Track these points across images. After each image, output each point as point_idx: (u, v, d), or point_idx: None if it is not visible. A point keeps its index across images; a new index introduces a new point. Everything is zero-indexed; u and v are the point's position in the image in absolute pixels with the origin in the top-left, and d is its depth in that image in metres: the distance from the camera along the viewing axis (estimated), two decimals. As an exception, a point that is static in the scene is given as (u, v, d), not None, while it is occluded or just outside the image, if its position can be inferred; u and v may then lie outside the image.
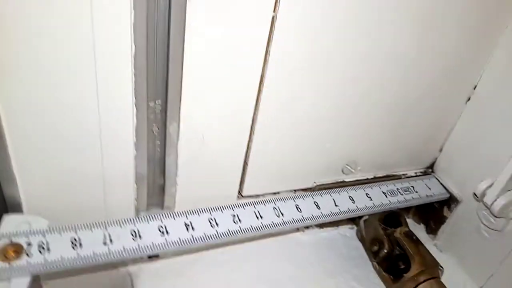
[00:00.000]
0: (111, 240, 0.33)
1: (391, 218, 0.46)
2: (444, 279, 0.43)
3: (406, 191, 0.48)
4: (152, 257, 0.42)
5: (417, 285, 0.41)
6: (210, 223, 0.37)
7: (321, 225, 0.50)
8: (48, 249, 0.31)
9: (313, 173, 0.46)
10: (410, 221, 0.55)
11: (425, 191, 0.49)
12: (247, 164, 0.41)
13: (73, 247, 0.32)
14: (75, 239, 0.32)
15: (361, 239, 0.48)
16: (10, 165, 0.32)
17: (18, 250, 0.30)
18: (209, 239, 0.36)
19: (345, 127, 0.44)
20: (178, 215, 0.36)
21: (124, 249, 0.33)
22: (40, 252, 0.31)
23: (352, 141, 0.45)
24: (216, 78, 0.34)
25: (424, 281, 0.41)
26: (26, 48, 0.28)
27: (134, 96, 0.32)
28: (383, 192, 0.46)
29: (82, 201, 0.37)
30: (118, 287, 0.45)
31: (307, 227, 0.49)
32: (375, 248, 0.44)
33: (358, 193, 0.45)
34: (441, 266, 0.43)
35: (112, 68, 0.30)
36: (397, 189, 0.47)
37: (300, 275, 0.45)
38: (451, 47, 0.42)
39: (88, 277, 0.42)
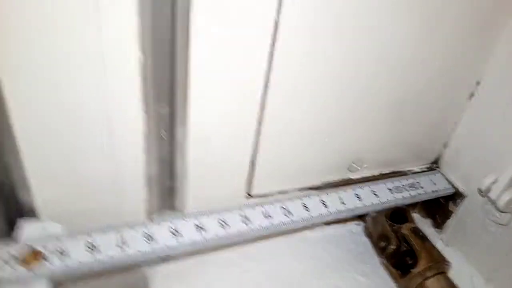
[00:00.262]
0: (124, 243, 0.34)
1: (398, 214, 0.47)
2: (450, 272, 0.43)
3: (411, 187, 0.48)
4: (165, 259, 0.43)
5: (424, 280, 0.41)
6: (221, 224, 0.38)
7: (328, 222, 0.50)
8: (66, 254, 0.32)
9: (320, 171, 0.46)
10: (416, 216, 0.55)
11: (431, 186, 0.50)
12: (254, 164, 0.41)
13: (89, 251, 0.33)
14: (91, 243, 0.33)
15: (369, 235, 0.49)
16: (24, 172, 0.33)
17: (37, 255, 0.31)
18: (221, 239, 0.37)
19: (350, 125, 0.44)
20: (189, 216, 0.37)
21: (139, 251, 0.34)
22: (58, 257, 0.31)
23: (358, 139, 0.46)
24: (221, 82, 0.34)
25: (432, 276, 0.42)
26: (37, 61, 0.28)
27: (142, 102, 0.33)
28: (389, 189, 0.47)
29: (95, 204, 0.37)
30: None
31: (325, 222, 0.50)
32: (383, 244, 0.45)
33: (364, 191, 0.46)
34: (448, 261, 0.43)
35: (121, 75, 0.31)
36: (403, 185, 0.48)
37: (308, 271, 0.46)
38: (454, 43, 0.43)
39: (103, 280, 0.43)
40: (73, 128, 0.32)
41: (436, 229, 0.53)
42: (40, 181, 0.34)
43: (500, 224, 0.45)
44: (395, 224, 0.46)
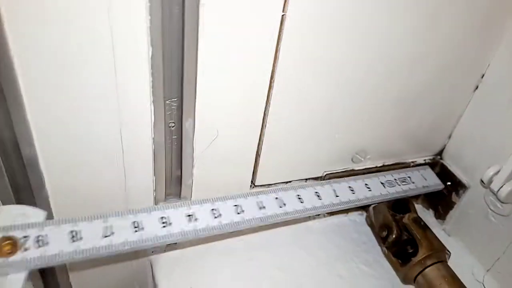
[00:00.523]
0: (112, 233, 0.34)
1: (400, 204, 0.48)
2: (452, 262, 0.44)
3: (403, 181, 0.49)
4: (170, 246, 0.44)
5: (424, 269, 0.42)
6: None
7: (331, 212, 0.52)
8: (47, 243, 0.30)
9: (323, 162, 0.47)
10: (419, 207, 0.56)
11: (421, 181, 0.50)
12: (259, 155, 0.42)
13: (73, 240, 0.32)
14: (75, 232, 0.32)
15: (371, 225, 0.50)
16: (39, 167, 0.34)
17: (14, 244, 0.29)
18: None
19: (354, 117, 0.45)
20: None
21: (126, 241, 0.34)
22: (37, 246, 0.30)
23: (362, 130, 0.46)
24: (228, 76, 0.35)
25: (431, 264, 0.42)
26: (49, 60, 0.30)
27: (151, 95, 0.34)
28: (382, 183, 0.47)
29: (105, 192, 0.39)
30: (139, 274, 0.48)
31: (317, 214, 0.51)
32: (384, 233, 0.46)
33: (358, 184, 0.46)
34: (448, 250, 0.44)
35: (131, 69, 0.32)
36: (395, 179, 0.48)
37: (311, 260, 0.47)
38: (460, 35, 0.43)
39: (111, 266, 0.45)
40: (84, 122, 0.34)
41: (439, 219, 0.54)
42: (53, 178, 0.36)
43: (501, 215, 0.46)
44: (397, 214, 0.46)
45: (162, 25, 0.31)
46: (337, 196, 0.44)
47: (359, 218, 0.53)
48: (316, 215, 0.49)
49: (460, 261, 0.48)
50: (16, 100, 0.31)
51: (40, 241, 0.31)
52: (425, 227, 0.45)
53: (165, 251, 0.44)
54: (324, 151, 0.46)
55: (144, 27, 0.30)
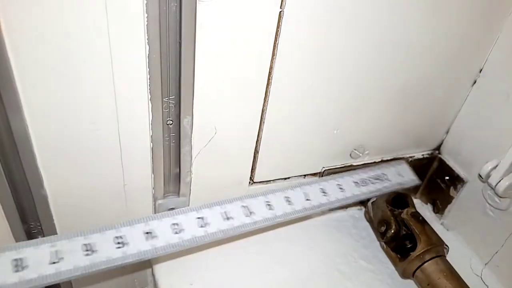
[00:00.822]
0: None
1: (399, 199, 0.48)
2: (451, 256, 0.44)
3: (377, 179, 0.48)
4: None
5: (423, 263, 0.43)
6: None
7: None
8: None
9: (322, 158, 0.47)
10: (417, 201, 0.56)
11: (397, 178, 0.49)
12: (258, 152, 0.42)
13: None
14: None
15: (369, 220, 0.50)
16: (36, 164, 0.34)
17: None
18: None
19: (352, 113, 0.45)
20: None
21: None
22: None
23: (360, 126, 0.46)
24: (226, 73, 0.35)
25: (430, 259, 0.43)
26: (46, 62, 0.29)
27: (149, 93, 0.34)
28: (355, 182, 0.46)
29: (103, 190, 0.39)
30: (139, 271, 0.48)
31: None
32: (383, 228, 0.46)
33: (330, 184, 0.45)
34: (446, 245, 0.44)
35: (128, 68, 0.32)
36: (369, 178, 0.47)
37: (310, 256, 0.47)
38: (457, 31, 0.43)
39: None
40: (82, 119, 0.34)
41: (437, 214, 0.55)
42: (52, 175, 0.36)
43: (499, 209, 0.46)
44: (395, 209, 0.46)
45: (159, 22, 0.31)
46: (307, 200, 0.42)
47: (358, 213, 0.54)
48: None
49: (459, 255, 0.49)
50: (14, 103, 0.31)
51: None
52: (423, 222, 0.45)
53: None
54: (322, 147, 0.46)
55: (141, 25, 0.30)
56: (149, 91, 0.34)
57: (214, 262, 0.44)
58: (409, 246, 0.44)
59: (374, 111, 0.46)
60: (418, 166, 0.53)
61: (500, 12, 0.43)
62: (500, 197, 0.45)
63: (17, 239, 0.38)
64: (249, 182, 0.45)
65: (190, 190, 0.42)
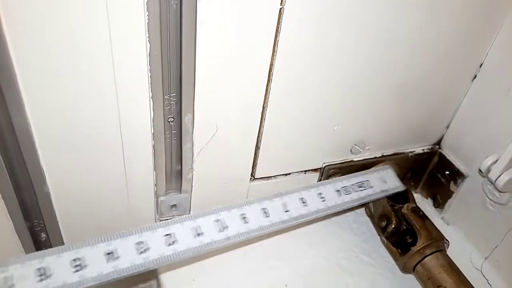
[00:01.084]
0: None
1: (399, 194, 0.48)
2: (451, 250, 0.45)
3: (360, 187, 0.46)
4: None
5: (423, 258, 0.43)
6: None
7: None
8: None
9: (323, 154, 0.47)
10: (417, 196, 0.57)
11: (380, 185, 0.47)
12: (259, 148, 0.43)
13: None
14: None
15: (370, 215, 0.50)
16: (39, 162, 0.35)
17: None
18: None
19: (352, 108, 0.45)
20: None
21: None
22: None
23: (360, 122, 0.47)
24: (227, 70, 0.35)
25: (430, 254, 0.43)
26: (46, 58, 0.30)
27: (150, 91, 0.34)
28: (337, 190, 0.44)
29: (106, 187, 0.39)
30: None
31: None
32: (383, 223, 0.46)
33: (311, 193, 0.43)
34: (446, 240, 0.45)
35: (129, 66, 0.32)
36: (352, 185, 0.45)
37: (312, 250, 0.47)
38: (457, 26, 0.43)
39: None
40: (84, 119, 0.34)
41: (437, 208, 0.55)
42: (57, 179, 0.36)
43: (499, 203, 0.46)
44: (396, 204, 0.47)
45: (160, 20, 0.31)
46: (287, 211, 0.40)
47: (359, 208, 0.54)
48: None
49: (459, 249, 0.49)
50: (16, 100, 0.31)
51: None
52: (424, 217, 0.45)
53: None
54: (323, 143, 0.46)
55: (142, 23, 0.30)
56: (150, 88, 0.34)
57: (217, 257, 0.44)
58: (409, 241, 0.44)
59: (374, 107, 0.46)
60: (419, 160, 0.54)
61: (500, 7, 0.43)
62: (500, 191, 0.45)
63: (20, 237, 0.38)
64: (250, 178, 0.45)
65: (192, 186, 0.42)
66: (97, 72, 0.31)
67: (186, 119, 0.37)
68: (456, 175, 0.51)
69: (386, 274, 0.46)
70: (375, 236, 0.50)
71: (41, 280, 0.30)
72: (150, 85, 0.34)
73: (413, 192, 0.51)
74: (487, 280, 0.47)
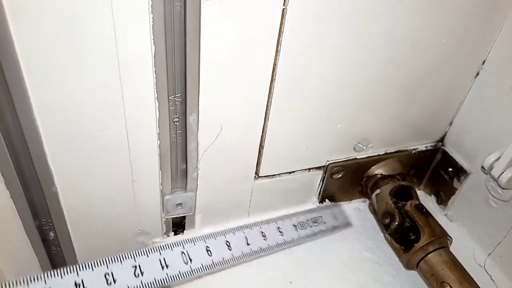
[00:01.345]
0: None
1: (402, 191, 0.48)
2: (454, 246, 0.45)
3: (315, 222, 0.48)
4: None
5: (426, 255, 0.43)
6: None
7: (334, 200, 0.52)
8: None
9: (326, 152, 0.48)
10: (421, 193, 0.57)
11: (332, 221, 0.50)
12: (263, 147, 0.43)
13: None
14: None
15: (373, 212, 0.51)
16: (47, 162, 0.35)
17: None
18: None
19: (355, 106, 0.45)
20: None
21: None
22: None
23: (363, 119, 0.47)
24: (231, 71, 0.36)
25: (434, 250, 0.43)
26: (52, 60, 0.30)
27: (156, 91, 0.34)
28: (294, 225, 0.46)
29: (113, 186, 0.40)
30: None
31: (321, 202, 0.52)
32: (387, 220, 0.47)
33: (270, 227, 0.45)
34: (449, 236, 0.45)
35: (135, 68, 0.32)
36: (307, 220, 0.48)
37: (316, 247, 0.48)
38: (460, 23, 0.43)
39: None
40: (91, 120, 0.34)
41: (441, 205, 0.55)
42: (64, 178, 0.37)
43: (502, 200, 0.47)
44: (399, 201, 0.47)
45: (165, 22, 0.31)
46: (248, 244, 0.42)
47: (362, 205, 0.54)
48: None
49: (462, 246, 0.49)
50: (24, 102, 0.31)
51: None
52: (427, 214, 0.45)
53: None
54: (326, 141, 0.47)
55: (146, 26, 0.30)
56: (155, 89, 0.34)
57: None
58: (413, 237, 0.45)
59: (377, 105, 0.46)
60: (422, 158, 0.54)
61: (503, 4, 0.43)
62: (503, 188, 0.45)
63: (29, 236, 0.39)
64: (255, 177, 0.46)
65: (197, 185, 0.43)
66: (103, 74, 0.32)
67: (191, 119, 0.37)
68: (459, 172, 0.51)
69: (389, 271, 0.47)
70: (378, 232, 0.50)
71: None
72: (155, 86, 0.34)
73: (416, 189, 0.52)
74: (490, 276, 0.47)
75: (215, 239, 0.41)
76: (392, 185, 0.48)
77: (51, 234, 0.40)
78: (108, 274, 0.35)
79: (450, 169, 0.53)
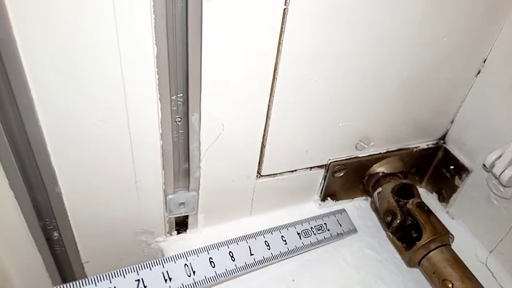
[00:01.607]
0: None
1: (404, 189, 0.48)
2: (456, 244, 0.45)
3: (319, 230, 0.48)
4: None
5: (428, 252, 0.43)
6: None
7: (336, 198, 0.53)
8: None
9: (328, 150, 0.48)
10: (422, 191, 0.57)
11: (336, 228, 0.49)
12: (264, 146, 0.43)
13: None
14: None
15: (375, 210, 0.51)
16: (50, 163, 0.36)
17: None
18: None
19: (357, 105, 0.45)
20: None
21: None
22: None
23: (365, 118, 0.47)
24: (233, 70, 0.36)
25: (435, 248, 0.43)
26: (55, 61, 0.30)
27: (158, 92, 0.35)
28: (298, 233, 0.46)
29: (116, 187, 0.40)
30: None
31: (323, 200, 0.52)
32: (389, 218, 0.47)
33: (274, 236, 0.44)
34: (451, 234, 0.45)
35: (137, 68, 0.33)
36: (311, 228, 0.47)
37: (318, 244, 0.48)
38: (461, 21, 0.43)
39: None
40: (93, 120, 0.34)
41: (442, 203, 0.55)
42: (66, 171, 0.37)
43: (504, 198, 0.47)
44: (401, 200, 0.47)
45: (167, 23, 0.31)
46: (251, 254, 0.42)
47: (364, 203, 0.54)
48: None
49: (464, 243, 0.49)
50: (27, 103, 0.32)
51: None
52: (428, 212, 0.46)
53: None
54: (328, 140, 0.47)
55: (148, 26, 0.31)
56: (158, 90, 0.34)
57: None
58: (414, 235, 0.45)
59: (379, 103, 0.46)
60: (423, 156, 0.54)
61: (504, 3, 0.43)
62: (505, 186, 0.45)
63: (33, 235, 0.39)
64: (257, 176, 0.46)
65: (199, 184, 0.43)
66: (105, 75, 0.32)
67: (193, 119, 0.37)
68: (461, 169, 0.52)
69: (391, 269, 0.47)
70: (380, 230, 0.51)
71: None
72: (157, 87, 0.34)
73: (418, 187, 0.52)
74: (492, 273, 0.47)
75: (218, 249, 0.40)
76: (393, 183, 0.49)
77: (55, 234, 0.41)
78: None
79: (452, 167, 0.53)
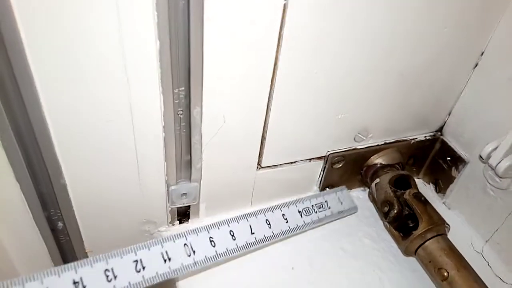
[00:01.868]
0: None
1: (401, 180, 0.49)
2: (452, 234, 0.46)
3: (320, 207, 0.47)
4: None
5: (424, 242, 0.44)
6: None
7: (334, 188, 0.53)
8: None
9: (327, 142, 0.49)
10: (420, 181, 0.58)
11: (338, 206, 0.49)
12: (264, 138, 0.44)
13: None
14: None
15: (373, 201, 0.52)
16: (55, 155, 0.36)
17: None
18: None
19: (356, 98, 0.46)
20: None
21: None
22: None
23: (364, 110, 0.48)
24: (234, 64, 0.36)
25: (431, 237, 0.44)
26: (59, 54, 0.31)
27: (160, 86, 0.35)
28: (299, 211, 0.45)
29: (119, 178, 0.41)
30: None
31: (322, 191, 0.53)
32: (386, 209, 0.48)
33: (275, 214, 0.44)
34: (447, 224, 0.46)
35: (140, 63, 0.33)
36: (312, 206, 0.47)
37: (317, 234, 0.49)
38: (460, 14, 0.43)
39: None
40: (98, 115, 0.35)
41: (439, 193, 0.56)
42: (72, 168, 0.38)
43: (500, 188, 0.47)
44: (398, 190, 0.48)
45: (169, 18, 0.32)
46: (252, 233, 0.41)
47: (362, 194, 0.55)
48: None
49: (460, 233, 0.50)
50: (32, 96, 0.32)
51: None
52: (425, 202, 0.46)
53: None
54: (327, 132, 0.48)
55: (151, 22, 0.31)
56: (160, 84, 0.35)
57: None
58: (411, 225, 0.46)
59: (377, 95, 0.47)
60: (421, 147, 0.55)
61: (502, -4, 0.44)
62: (501, 177, 0.46)
63: (38, 225, 0.40)
64: (257, 167, 0.47)
65: (201, 175, 0.44)
66: (109, 69, 0.33)
67: (194, 112, 0.38)
68: (458, 161, 0.52)
69: (388, 257, 0.48)
70: (378, 220, 0.52)
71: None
72: (160, 81, 0.35)
73: (415, 178, 0.53)
74: (487, 262, 0.48)
75: (219, 228, 0.39)
76: (391, 174, 0.49)
77: (60, 224, 0.42)
78: (108, 270, 0.33)
79: (449, 158, 0.54)
